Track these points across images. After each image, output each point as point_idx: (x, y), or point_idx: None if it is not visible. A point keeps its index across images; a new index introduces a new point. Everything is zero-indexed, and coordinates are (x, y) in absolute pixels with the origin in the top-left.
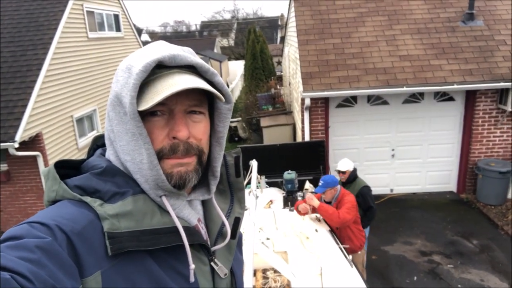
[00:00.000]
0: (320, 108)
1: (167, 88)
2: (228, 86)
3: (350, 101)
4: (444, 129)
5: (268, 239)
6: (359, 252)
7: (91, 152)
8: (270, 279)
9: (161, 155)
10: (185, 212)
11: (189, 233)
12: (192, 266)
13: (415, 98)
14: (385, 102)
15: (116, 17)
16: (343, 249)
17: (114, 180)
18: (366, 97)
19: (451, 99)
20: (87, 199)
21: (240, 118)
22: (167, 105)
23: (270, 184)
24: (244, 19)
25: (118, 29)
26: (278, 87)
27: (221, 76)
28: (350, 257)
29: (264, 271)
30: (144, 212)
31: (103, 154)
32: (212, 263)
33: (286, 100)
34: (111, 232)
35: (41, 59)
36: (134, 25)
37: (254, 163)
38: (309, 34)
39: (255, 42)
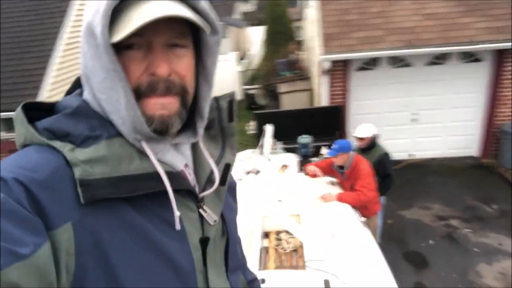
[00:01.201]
0: (339, 72)
1: (142, 16)
2: (246, 53)
3: (371, 64)
4: (468, 91)
5: (280, 201)
6: (372, 216)
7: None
8: (283, 241)
9: (138, 94)
10: (169, 157)
11: (173, 178)
12: (177, 213)
13: (439, 59)
14: (407, 64)
15: None
16: (356, 211)
17: (87, 121)
18: (388, 59)
19: (477, 60)
20: (56, 143)
21: (258, 85)
22: (144, 36)
23: (287, 150)
24: None
25: None
26: (298, 52)
27: (241, 43)
28: (363, 219)
29: (278, 233)
30: (120, 157)
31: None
32: (200, 210)
33: (306, 65)
34: (83, 179)
35: (58, 28)
36: None
37: (268, 128)
38: None
39: (275, 5)
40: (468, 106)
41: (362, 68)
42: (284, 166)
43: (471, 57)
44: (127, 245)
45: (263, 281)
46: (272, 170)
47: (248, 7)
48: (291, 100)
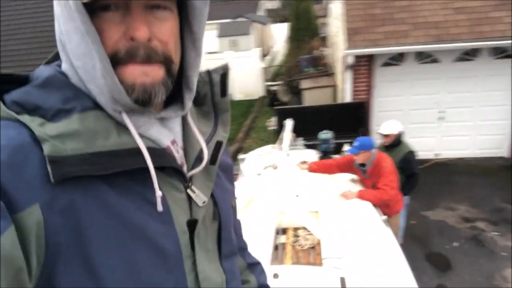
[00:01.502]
0: (363, 67)
1: None
2: (270, 50)
3: (396, 59)
4: (499, 89)
5: (297, 196)
6: (394, 215)
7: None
8: (301, 238)
9: (116, 61)
10: (153, 132)
11: (156, 154)
12: (159, 193)
13: (469, 55)
14: (435, 60)
15: None
16: (377, 209)
17: (60, 93)
18: (414, 55)
19: (509, 56)
20: (25, 118)
21: (280, 82)
22: None
23: (308, 147)
24: None
25: None
26: (322, 48)
27: (265, 40)
28: (385, 217)
29: (296, 229)
30: (95, 131)
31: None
32: (188, 190)
33: (329, 62)
34: (52, 155)
35: None
36: None
37: (288, 122)
38: None
39: (300, 1)
40: (499, 105)
41: (387, 64)
42: (304, 162)
43: (502, 53)
44: (103, 227)
45: (275, 276)
46: (291, 166)
47: (273, 4)
48: (314, 96)
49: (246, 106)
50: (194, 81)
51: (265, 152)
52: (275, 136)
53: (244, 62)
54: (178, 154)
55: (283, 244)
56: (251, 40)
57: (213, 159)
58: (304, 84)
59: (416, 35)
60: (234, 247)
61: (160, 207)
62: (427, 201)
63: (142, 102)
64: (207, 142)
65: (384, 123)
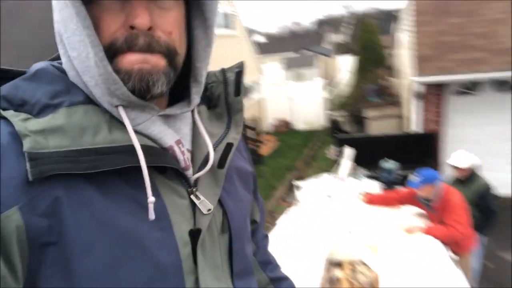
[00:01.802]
0: (433, 96)
1: None
2: (334, 81)
3: (470, 88)
4: None
5: (350, 232)
6: (465, 255)
7: None
8: (358, 272)
9: (114, 51)
10: (154, 130)
11: (152, 153)
12: (151, 198)
13: None
14: None
15: (227, 16)
16: (446, 247)
17: (50, 87)
18: (491, 83)
19: None
20: (8, 113)
21: (344, 112)
22: None
23: (371, 178)
24: (359, 13)
25: (229, 27)
26: (389, 78)
27: (329, 71)
28: (455, 256)
29: (352, 263)
30: (83, 127)
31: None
32: (192, 196)
33: (396, 91)
34: (32, 152)
35: None
36: (247, 27)
37: (347, 151)
38: (426, 14)
39: (366, 33)
40: None
41: (460, 93)
42: (366, 193)
43: None
44: (87, 231)
45: None
46: (348, 195)
47: (341, 38)
48: (379, 126)
49: (308, 135)
50: (203, 74)
51: (322, 180)
52: (334, 165)
53: (306, 92)
54: (184, 156)
55: (338, 279)
56: (316, 72)
57: (221, 163)
58: (369, 113)
59: (494, 62)
60: (249, 265)
61: (152, 214)
62: (506, 241)
63: (140, 92)
64: (217, 144)
65: (456, 155)
